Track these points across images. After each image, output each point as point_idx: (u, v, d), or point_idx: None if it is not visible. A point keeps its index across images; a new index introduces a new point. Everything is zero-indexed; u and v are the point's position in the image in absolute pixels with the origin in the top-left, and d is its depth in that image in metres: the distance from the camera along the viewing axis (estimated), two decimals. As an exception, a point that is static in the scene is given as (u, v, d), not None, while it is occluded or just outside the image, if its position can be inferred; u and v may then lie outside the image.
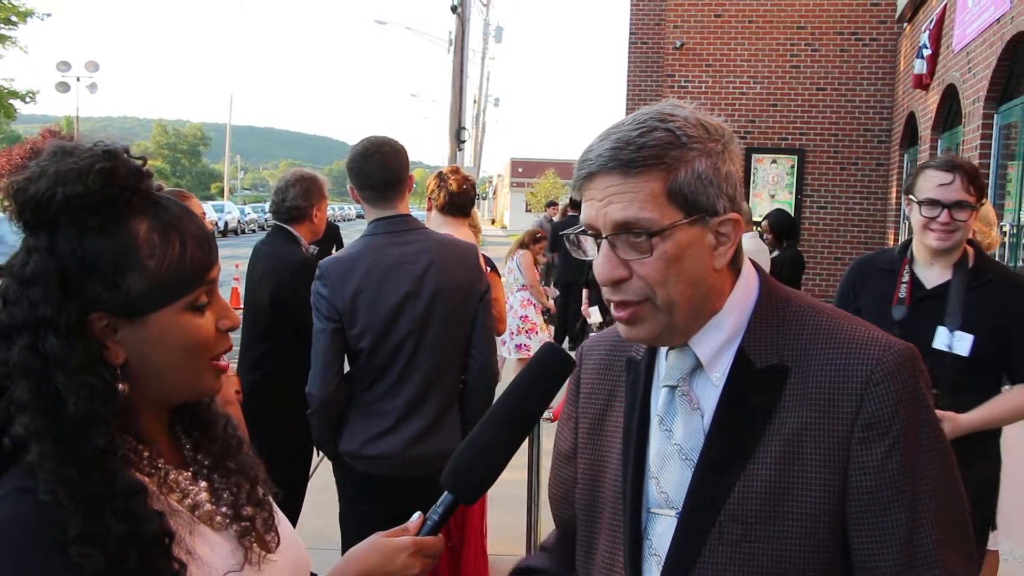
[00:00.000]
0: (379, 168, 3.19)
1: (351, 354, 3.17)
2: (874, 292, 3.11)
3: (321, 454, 3.57)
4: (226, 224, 42.21)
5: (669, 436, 1.35)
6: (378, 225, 3.22)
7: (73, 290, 1.11)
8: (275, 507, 1.36)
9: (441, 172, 4.43)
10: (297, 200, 4.11)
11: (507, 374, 6.48)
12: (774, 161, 13.93)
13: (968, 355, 2.88)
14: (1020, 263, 7.97)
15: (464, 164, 17.07)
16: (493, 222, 78.61)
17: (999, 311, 2.90)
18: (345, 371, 3.22)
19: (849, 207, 13.89)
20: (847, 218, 13.90)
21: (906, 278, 3.04)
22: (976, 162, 7.93)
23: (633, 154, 1.24)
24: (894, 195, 13.29)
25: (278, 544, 1.30)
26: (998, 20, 8.09)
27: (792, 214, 10.32)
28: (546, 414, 2.20)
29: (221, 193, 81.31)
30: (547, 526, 1.65)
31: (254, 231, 45.44)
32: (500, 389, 1.51)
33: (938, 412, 2.76)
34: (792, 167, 13.88)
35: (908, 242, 3.15)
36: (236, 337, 1.41)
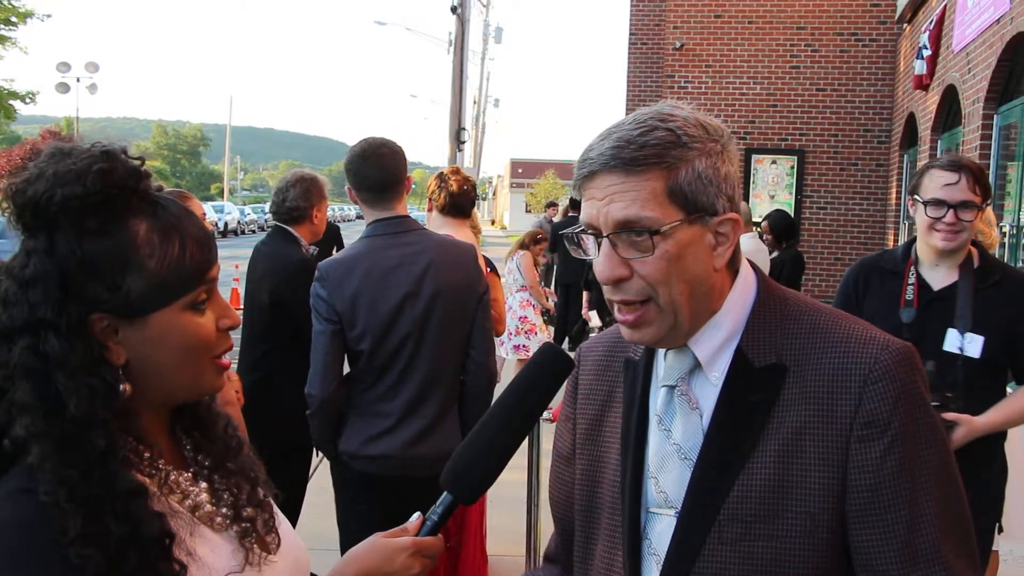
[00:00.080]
0: (377, 169, 3.19)
1: (351, 355, 3.17)
2: (880, 294, 3.07)
3: (320, 455, 3.57)
4: (226, 225, 42.20)
5: (668, 436, 1.35)
6: (376, 227, 3.22)
7: (73, 291, 1.12)
8: (275, 508, 1.36)
9: (441, 173, 4.44)
10: (297, 201, 4.12)
11: (506, 375, 6.48)
12: (774, 162, 13.93)
13: (979, 357, 2.86)
14: (1020, 263, 7.97)
15: (464, 165, 17.07)
16: (493, 223, 78.63)
17: (1008, 312, 2.88)
18: (345, 372, 3.22)
19: (849, 208, 13.89)
20: (847, 219, 13.90)
21: (912, 280, 3.00)
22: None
23: (635, 153, 1.25)
24: (894, 196, 13.29)
25: (278, 545, 1.31)
26: (998, 20, 8.09)
27: (792, 215, 10.33)
28: (546, 414, 2.20)
29: (221, 194, 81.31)
30: (547, 526, 1.65)
31: (254, 232, 45.43)
32: (499, 390, 1.51)
33: (953, 416, 2.76)
34: (792, 168, 13.88)
35: (911, 243, 3.12)
36: (236, 337, 1.41)
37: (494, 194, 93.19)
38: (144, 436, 1.19)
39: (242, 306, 4.17)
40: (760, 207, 12.78)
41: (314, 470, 4.61)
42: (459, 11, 15.29)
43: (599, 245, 1.30)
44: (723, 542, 1.27)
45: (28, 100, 29.48)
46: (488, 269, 4.32)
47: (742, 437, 1.29)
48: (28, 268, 1.12)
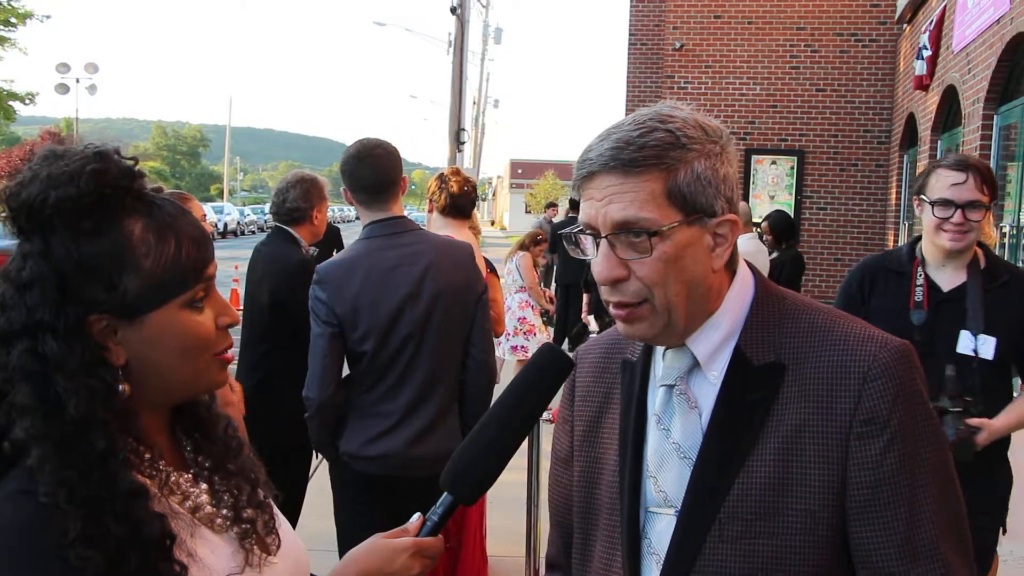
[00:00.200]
0: (372, 171, 3.19)
1: (352, 357, 3.16)
2: (887, 296, 3.03)
3: (320, 455, 3.57)
4: (225, 225, 42.19)
5: (667, 435, 1.35)
6: (373, 228, 3.21)
7: (70, 293, 1.11)
8: (275, 509, 1.36)
9: (442, 174, 4.43)
10: (297, 202, 4.12)
11: (506, 375, 6.48)
12: (774, 162, 13.93)
13: (992, 359, 2.84)
14: (1020, 264, 7.97)
15: (463, 165, 17.07)
16: (492, 223, 78.63)
17: (1018, 312, 2.86)
18: (344, 373, 3.21)
19: (849, 208, 13.89)
20: (847, 219, 13.90)
21: (921, 281, 2.96)
22: (976, 163, 7.91)
23: (634, 154, 1.25)
24: (894, 196, 13.29)
25: (278, 546, 1.30)
26: (998, 21, 8.09)
27: (791, 215, 10.33)
28: (545, 415, 2.20)
29: (220, 194, 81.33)
30: (547, 527, 1.65)
31: (253, 232, 45.43)
32: (499, 390, 1.51)
33: (977, 421, 2.75)
34: (792, 168, 13.89)
35: (915, 243, 3.08)
36: (236, 338, 1.41)
37: (494, 195, 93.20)
38: (144, 437, 1.19)
39: (242, 307, 4.17)
40: (760, 207, 12.78)
41: (314, 471, 4.60)
42: (459, 12, 15.29)
43: (597, 245, 1.30)
44: (723, 540, 1.28)
45: (28, 101, 29.48)
46: (488, 270, 4.32)
47: (742, 435, 1.29)
48: (24, 271, 1.12)
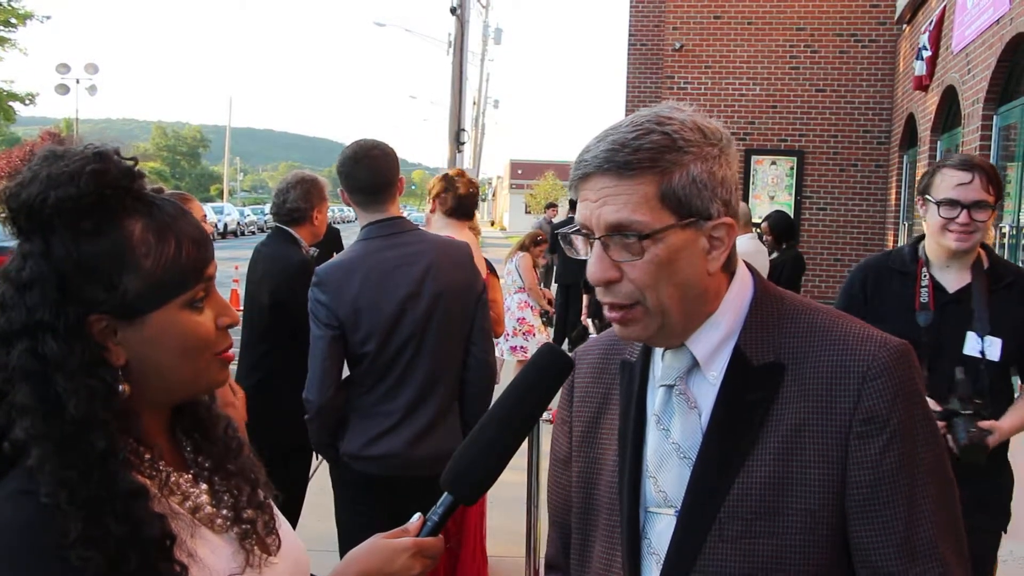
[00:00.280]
0: (368, 171, 3.18)
1: (353, 359, 3.15)
2: (892, 297, 2.99)
3: (320, 456, 3.57)
4: (225, 226, 42.19)
5: (667, 435, 1.36)
6: (371, 229, 3.21)
7: (70, 293, 1.11)
8: (276, 510, 1.36)
9: (448, 175, 4.42)
10: (298, 202, 4.12)
11: (505, 376, 6.48)
12: (773, 163, 13.94)
13: (999, 359, 2.82)
14: (1020, 264, 7.97)
15: (463, 166, 17.07)
16: (492, 224, 78.64)
17: (1022, 314, 2.85)
18: (344, 375, 3.21)
19: (848, 208, 13.90)
20: (846, 219, 13.91)
21: (926, 282, 2.92)
22: (975, 163, 7.91)
23: (628, 156, 1.25)
24: (893, 196, 13.30)
25: (279, 547, 1.31)
26: (997, 21, 8.09)
27: (791, 216, 10.33)
28: (545, 415, 2.20)
29: (220, 195, 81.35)
30: (547, 527, 1.65)
31: (253, 233, 45.42)
32: (498, 391, 1.51)
33: (989, 424, 2.73)
34: (791, 168, 13.89)
35: (917, 243, 3.05)
36: (236, 338, 1.41)
37: (493, 195, 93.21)
38: (144, 437, 1.19)
39: (242, 307, 4.17)
40: (760, 208, 12.78)
41: (314, 471, 4.61)
42: (458, 12, 15.28)
43: (591, 246, 1.30)
44: (724, 540, 1.28)
45: (28, 102, 29.48)
46: (487, 271, 4.32)
47: (741, 435, 1.29)
48: (24, 271, 1.12)
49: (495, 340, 4.41)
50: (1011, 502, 2.99)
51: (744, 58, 13.90)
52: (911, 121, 12.35)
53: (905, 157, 13.16)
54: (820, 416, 1.27)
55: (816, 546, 1.26)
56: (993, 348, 2.82)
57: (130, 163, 1.18)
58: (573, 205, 1.58)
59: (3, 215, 1.14)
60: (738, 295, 1.36)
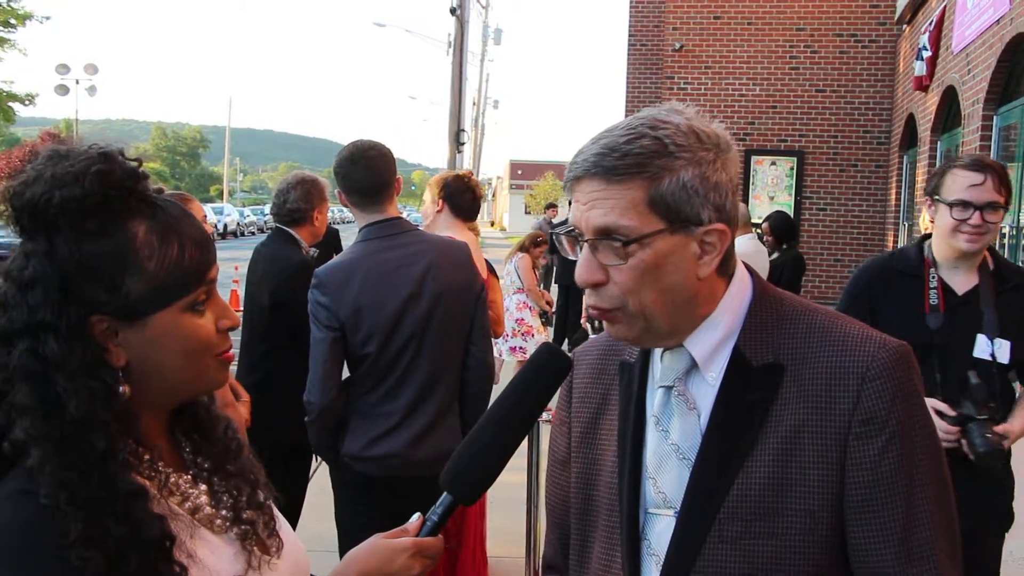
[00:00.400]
0: (366, 172, 3.18)
1: (354, 360, 3.15)
2: (900, 299, 2.93)
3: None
4: (225, 227, 42.16)
5: (666, 436, 1.36)
6: (370, 230, 3.21)
7: (73, 293, 1.11)
8: (276, 511, 1.36)
9: (460, 175, 4.41)
10: (298, 203, 4.12)
11: (505, 376, 6.48)
12: (773, 163, 13.94)
13: (1008, 362, 2.80)
14: (1021, 263, 7.97)
15: (463, 166, 17.06)
16: (492, 224, 78.66)
17: None
18: (344, 376, 3.21)
19: (848, 209, 13.90)
20: (846, 220, 13.91)
21: (935, 283, 2.88)
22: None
23: (616, 161, 1.25)
24: (893, 197, 13.30)
25: (279, 548, 1.30)
26: (997, 21, 8.10)
27: (791, 216, 10.33)
28: (545, 415, 2.20)
29: (220, 195, 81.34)
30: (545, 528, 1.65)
31: (253, 233, 45.41)
32: (498, 391, 1.51)
33: (1002, 428, 2.71)
34: (791, 169, 13.90)
35: (921, 244, 3.00)
36: (236, 339, 1.41)
37: (493, 195, 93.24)
38: (144, 438, 1.20)
39: (242, 307, 4.17)
40: (759, 208, 12.79)
41: (314, 471, 4.60)
42: (458, 13, 15.28)
43: (581, 248, 1.31)
44: (723, 541, 1.28)
45: (27, 102, 29.47)
46: (487, 271, 4.32)
47: (741, 436, 1.29)
48: (27, 270, 1.12)
49: (494, 340, 4.41)
50: (1013, 502, 2.99)
51: (744, 58, 13.91)
52: (911, 121, 12.35)
53: (905, 157, 13.16)
54: (819, 417, 1.27)
55: (816, 547, 1.26)
56: (1003, 350, 2.79)
57: (134, 164, 1.18)
58: (574, 206, 1.57)
59: (6, 214, 1.14)
60: (736, 296, 1.36)
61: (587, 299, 1.34)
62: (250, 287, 4.17)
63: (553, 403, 1.48)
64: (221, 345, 1.24)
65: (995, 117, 8.60)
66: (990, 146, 8.66)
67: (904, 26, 13.01)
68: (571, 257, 1.36)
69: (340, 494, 3.31)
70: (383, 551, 1.35)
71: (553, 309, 10.06)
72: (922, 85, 11.08)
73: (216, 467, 1.29)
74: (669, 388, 1.37)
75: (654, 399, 1.39)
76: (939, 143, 11.02)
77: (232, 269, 15.51)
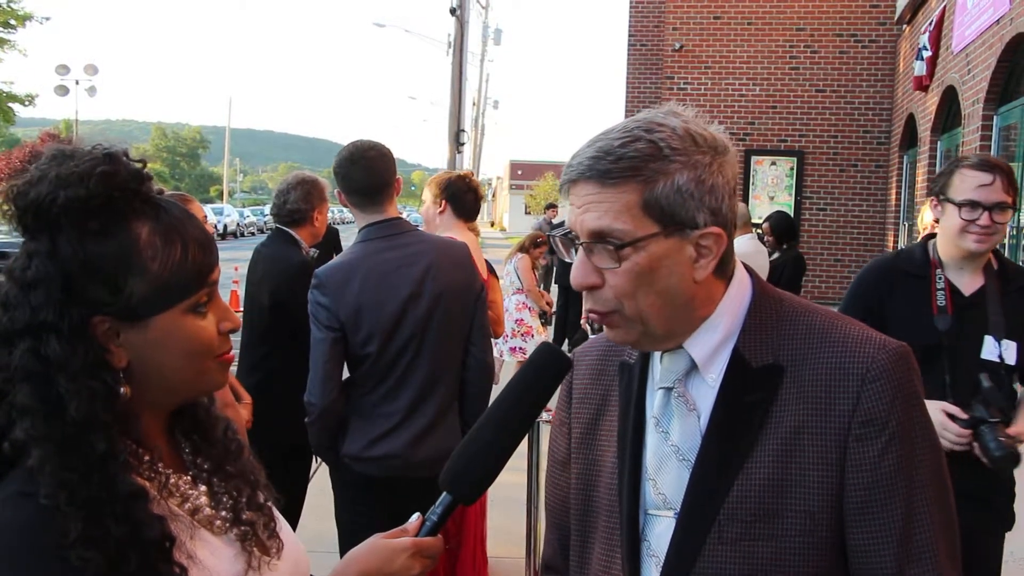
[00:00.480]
0: (365, 173, 3.18)
1: (354, 360, 3.15)
2: (906, 300, 2.90)
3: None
4: (225, 227, 42.14)
5: (666, 438, 1.36)
6: (370, 230, 3.21)
7: (75, 294, 1.11)
8: (276, 512, 1.36)
9: (462, 175, 4.42)
10: (298, 203, 4.12)
11: (505, 376, 6.48)
12: (773, 163, 13.94)
13: (1015, 363, 2.78)
14: (1021, 263, 7.97)
15: (463, 166, 17.06)
16: (492, 225, 78.66)
17: None
18: (344, 377, 3.21)
19: (848, 209, 13.91)
20: (846, 220, 13.92)
21: (942, 284, 2.85)
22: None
23: (609, 165, 1.25)
24: (893, 197, 13.31)
25: (279, 549, 1.31)
26: (997, 21, 8.10)
27: (792, 216, 10.33)
28: (544, 415, 2.19)
29: (220, 196, 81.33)
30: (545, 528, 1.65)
31: (253, 234, 45.40)
32: (497, 391, 1.52)
33: (1015, 430, 2.68)
34: (791, 169, 13.90)
35: (926, 244, 2.98)
36: (236, 340, 1.41)
37: (493, 196, 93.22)
38: (144, 439, 1.20)
39: (242, 308, 4.17)
40: (759, 208, 12.79)
41: (314, 472, 4.60)
42: (458, 13, 15.28)
43: (577, 250, 1.31)
44: (723, 542, 1.28)
45: (27, 103, 29.47)
46: (487, 272, 4.32)
47: (740, 437, 1.29)
48: (30, 270, 1.12)
49: (494, 341, 4.42)
50: (1014, 503, 2.98)
51: (744, 58, 13.91)
52: (911, 121, 12.36)
53: (905, 157, 13.16)
54: (819, 418, 1.27)
55: (816, 548, 1.26)
56: (1010, 352, 2.78)
57: (139, 165, 1.18)
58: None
59: (10, 213, 1.14)
60: (736, 298, 1.36)
61: (586, 302, 1.34)
62: (250, 288, 4.18)
63: (553, 403, 1.48)
64: (222, 347, 1.24)
65: (995, 117, 8.60)
66: (990, 146, 8.66)
67: (904, 26, 13.01)
68: (566, 259, 1.36)
69: (340, 494, 3.31)
70: (383, 551, 1.35)
71: (553, 310, 10.06)
72: (922, 85, 11.09)
73: (216, 468, 1.29)
74: (669, 389, 1.36)
75: (654, 400, 1.39)
76: (939, 143, 11.02)
77: (232, 270, 15.51)
